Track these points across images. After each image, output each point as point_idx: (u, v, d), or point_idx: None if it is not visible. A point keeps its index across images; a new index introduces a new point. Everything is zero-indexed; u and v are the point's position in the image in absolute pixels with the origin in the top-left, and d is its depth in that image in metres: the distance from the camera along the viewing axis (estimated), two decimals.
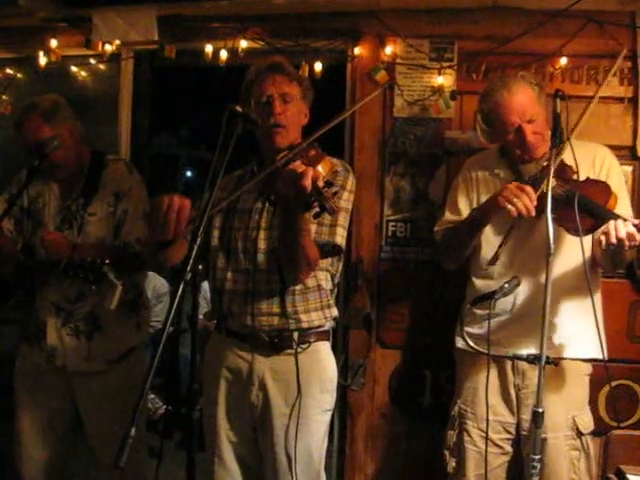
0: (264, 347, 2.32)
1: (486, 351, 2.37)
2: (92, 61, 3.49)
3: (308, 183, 1.83)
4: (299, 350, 2.30)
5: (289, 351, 2.30)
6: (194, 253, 1.79)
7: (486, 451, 2.47)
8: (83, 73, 3.57)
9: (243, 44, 3.19)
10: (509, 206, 2.30)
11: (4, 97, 3.57)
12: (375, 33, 3.19)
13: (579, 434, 2.51)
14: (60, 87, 3.39)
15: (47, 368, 2.75)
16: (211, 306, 2.48)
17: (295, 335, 2.30)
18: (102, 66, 3.51)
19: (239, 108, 1.93)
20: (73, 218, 2.72)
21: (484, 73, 3.14)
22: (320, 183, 1.85)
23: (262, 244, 2.29)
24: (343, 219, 2.27)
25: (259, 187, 2.31)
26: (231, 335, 2.37)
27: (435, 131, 3.19)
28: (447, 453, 2.66)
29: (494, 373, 2.53)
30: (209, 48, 3.20)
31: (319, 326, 2.35)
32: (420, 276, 3.20)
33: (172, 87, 4.19)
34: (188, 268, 1.78)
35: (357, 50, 3.21)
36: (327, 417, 2.40)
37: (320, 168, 1.97)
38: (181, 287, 1.77)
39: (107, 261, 2.48)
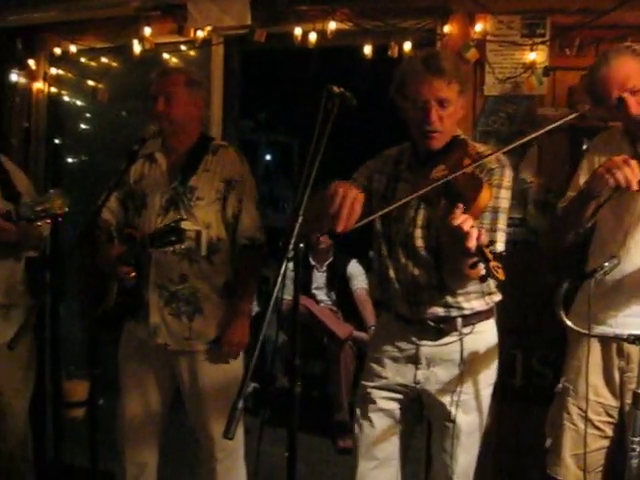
0: (430, 331, 2.36)
1: (586, 331, 2.34)
2: (183, 47, 3.57)
3: (472, 244, 1.83)
4: (464, 332, 2.34)
5: (454, 333, 2.34)
6: (296, 231, 1.83)
7: (585, 431, 2.44)
8: (175, 59, 3.64)
9: (332, 26, 3.20)
10: (607, 176, 2.25)
11: (100, 86, 3.68)
12: (465, 10, 3.15)
13: None
14: (153, 74, 3.48)
15: (151, 345, 2.85)
16: (379, 286, 2.53)
17: (459, 321, 2.34)
18: (192, 52, 3.59)
19: (336, 89, 1.96)
20: (180, 200, 2.76)
21: (578, 48, 3.06)
22: (483, 241, 1.85)
23: (419, 242, 2.31)
24: (503, 222, 2.23)
25: (414, 181, 2.28)
26: (398, 317, 2.43)
27: (527, 109, 3.13)
28: (547, 430, 2.65)
29: (598, 353, 2.49)
30: (298, 31, 3.23)
31: (481, 310, 2.38)
32: (512, 256, 3.16)
33: (261, 71, 4.24)
34: (291, 246, 1.83)
35: (446, 28, 3.18)
36: (491, 390, 2.45)
37: (481, 199, 1.97)
38: (284, 265, 1.82)
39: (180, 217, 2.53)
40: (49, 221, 2.62)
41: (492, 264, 1.81)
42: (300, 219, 1.84)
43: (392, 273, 2.39)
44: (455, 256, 2.02)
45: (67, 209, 2.56)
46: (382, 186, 2.42)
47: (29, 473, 3.33)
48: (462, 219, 1.87)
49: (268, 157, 14.53)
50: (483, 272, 1.84)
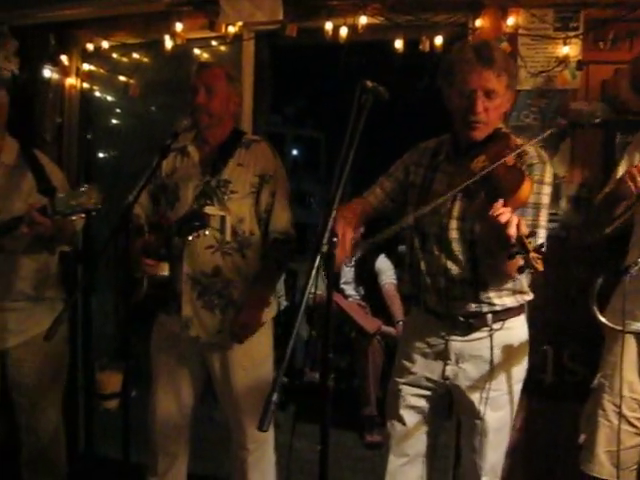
0: (460, 326, 2.37)
1: (621, 327, 2.33)
2: (214, 43, 3.58)
3: (513, 232, 1.83)
4: (494, 328, 2.34)
5: (484, 329, 2.35)
6: (329, 226, 1.84)
7: (619, 428, 2.42)
8: (205, 55, 3.66)
9: (363, 20, 3.19)
10: (630, 183, 2.24)
11: (132, 81, 3.71)
12: (497, 4, 3.12)
13: None
14: (183, 70, 3.50)
15: (183, 337, 2.87)
16: (409, 280, 2.54)
17: (489, 316, 2.34)
18: (223, 47, 3.60)
19: (370, 83, 1.96)
20: (213, 193, 2.78)
21: (612, 42, 3.03)
22: (524, 231, 1.85)
23: (454, 234, 2.30)
24: (544, 218, 2.23)
25: (453, 172, 2.30)
26: (428, 311, 2.44)
27: (560, 103, 3.11)
28: (582, 426, 2.64)
29: (634, 350, 2.48)
30: (329, 26, 3.22)
31: (512, 307, 2.38)
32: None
33: (290, 66, 4.24)
34: (324, 240, 1.84)
35: (478, 22, 3.15)
36: (520, 387, 2.45)
37: (522, 191, 1.98)
38: (318, 259, 1.83)
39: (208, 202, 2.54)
40: (83, 216, 2.64)
41: (532, 255, 1.81)
42: (334, 213, 1.85)
43: (424, 266, 2.40)
44: (494, 249, 2.02)
45: (101, 204, 2.59)
46: (419, 178, 2.43)
47: (61, 464, 3.38)
48: (501, 210, 1.87)
49: (295, 152, 14.53)
50: (521, 262, 1.84)
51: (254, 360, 2.91)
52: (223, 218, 2.37)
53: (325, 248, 1.83)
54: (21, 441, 3.28)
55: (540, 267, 1.82)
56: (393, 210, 2.54)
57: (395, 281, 4.81)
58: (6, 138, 3.06)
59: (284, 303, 5.16)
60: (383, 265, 4.85)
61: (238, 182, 2.79)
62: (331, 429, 3.09)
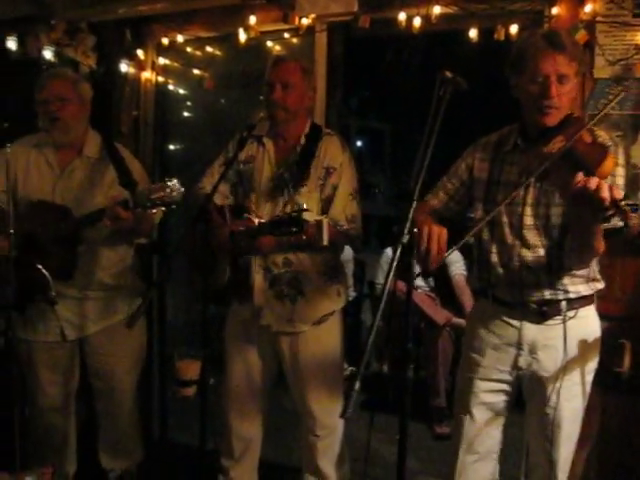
0: (533, 315, 2.37)
1: None
2: (286, 35, 3.60)
3: (606, 194, 1.80)
4: (567, 316, 2.34)
5: (557, 317, 2.34)
6: (411, 216, 1.85)
7: None
8: (277, 47, 3.69)
9: (437, 10, 3.17)
10: None
11: (206, 74, 3.77)
12: None
13: None
14: (256, 62, 3.54)
15: (254, 325, 2.94)
16: (477, 273, 2.53)
17: (563, 304, 2.33)
18: (295, 40, 3.62)
19: (449, 73, 1.96)
20: (285, 186, 2.83)
21: None
22: (617, 194, 1.81)
23: (528, 220, 2.30)
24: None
25: (524, 160, 2.30)
26: (498, 302, 2.43)
27: (639, 91, 3.03)
28: None
29: None
30: (402, 16, 3.20)
31: (585, 295, 2.37)
32: (620, 243, 3.07)
33: (361, 58, 4.24)
34: (405, 231, 1.85)
35: (554, 10, 3.08)
36: (592, 377, 2.44)
37: (605, 165, 1.95)
38: (399, 250, 1.84)
39: (302, 207, 2.52)
40: (163, 209, 2.71)
41: (629, 215, 1.78)
42: (414, 204, 1.86)
43: (495, 257, 2.38)
44: (586, 219, 1.99)
45: (181, 198, 2.64)
46: (484, 173, 2.42)
47: (137, 450, 3.47)
48: (586, 180, 1.85)
49: (359, 143, 14.50)
50: (620, 223, 1.81)
51: (324, 348, 2.95)
52: (320, 223, 2.38)
53: (406, 239, 1.84)
54: (99, 426, 3.40)
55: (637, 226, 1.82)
56: (456, 213, 2.54)
57: (465, 272, 4.78)
58: (89, 132, 3.16)
59: (352, 294, 5.18)
60: (453, 256, 4.81)
61: (308, 175, 2.82)
62: (394, 417, 3.10)
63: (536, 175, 2.11)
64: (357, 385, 1.68)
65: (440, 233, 2.00)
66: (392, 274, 1.81)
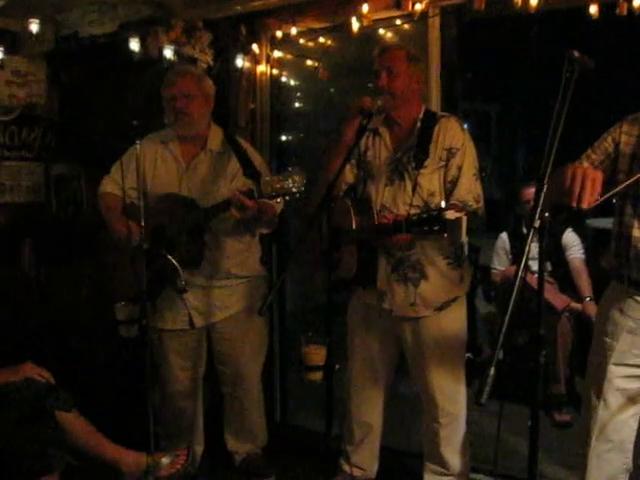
0: None
1: None
2: (398, 22, 3.59)
3: None
4: None
5: None
6: (541, 200, 1.82)
7: None
8: (389, 34, 3.67)
9: None
10: None
11: (320, 65, 3.81)
12: None
13: None
14: (368, 51, 3.53)
15: (377, 309, 2.97)
16: (614, 250, 2.48)
17: None
18: (407, 26, 3.59)
19: (576, 53, 1.91)
20: (404, 170, 2.85)
21: None
22: None
23: None
24: None
25: None
26: (634, 285, 2.39)
27: None
28: None
29: None
30: None
31: None
32: None
33: (475, 41, 4.17)
34: (537, 215, 1.83)
35: None
36: None
37: None
38: (530, 234, 1.82)
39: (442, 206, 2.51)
40: (287, 198, 2.77)
41: None
42: (545, 188, 1.83)
43: (637, 232, 2.32)
44: None
45: (304, 187, 2.70)
46: (629, 147, 2.37)
47: (261, 433, 3.59)
48: None
49: (465, 126, 14.26)
50: None
51: (447, 335, 2.94)
52: (459, 220, 2.36)
53: (537, 224, 1.82)
54: (225, 410, 3.53)
55: None
56: None
57: (583, 256, 4.64)
58: (212, 126, 3.28)
59: None
60: (570, 239, 4.68)
61: (429, 158, 2.82)
62: (515, 406, 3.07)
63: None
64: (492, 371, 1.67)
65: (596, 175, 1.93)
66: (524, 260, 1.78)
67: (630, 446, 2.50)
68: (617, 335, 2.41)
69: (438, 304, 2.89)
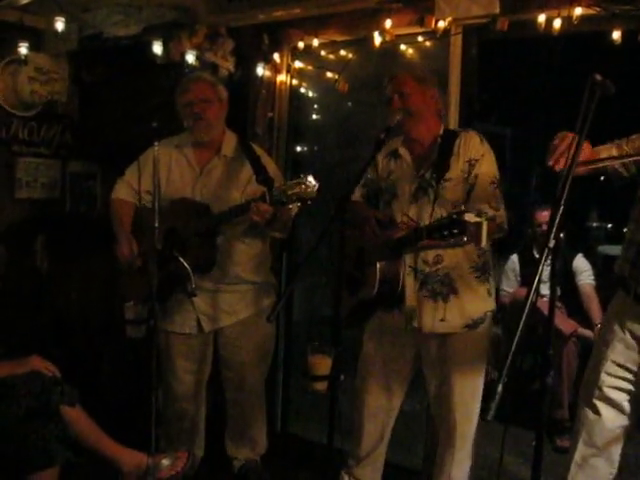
0: None
1: None
2: (420, 39, 3.61)
3: None
4: None
5: None
6: (557, 220, 1.83)
7: None
8: (410, 51, 3.69)
9: (578, 11, 3.09)
10: None
11: (340, 77, 3.83)
12: None
13: None
14: (389, 66, 3.55)
15: (405, 330, 2.91)
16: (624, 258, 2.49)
17: None
18: (428, 43, 3.62)
19: (599, 77, 1.93)
20: (428, 185, 2.85)
21: None
22: None
23: None
24: None
25: None
26: (637, 299, 2.38)
27: None
28: None
29: None
30: (542, 17, 3.13)
31: None
32: None
33: (494, 61, 4.18)
34: (552, 235, 1.83)
35: None
36: None
37: None
38: (545, 254, 1.82)
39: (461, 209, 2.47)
40: (299, 204, 2.78)
41: None
42: (562, 209, 1.83)
43: None
44: None
45: (316, 194, 2.71)
46: None
47: (261, 441, 3.57)
48: None
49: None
50: None
51: (473, 350, 2.91)
52: (479, 224, 2.35)
53: (552, 244, 1.82)
54: (227, 415, 3.53)
55: None
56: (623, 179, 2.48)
57: (593, 282, 4.63)
58: (226, 132, 3.30)
59: None
60: (581, 265, 4.68)
61: (451, 171, 2.82)
62: (518, 429, 3.04)
63: None
64: (500, 388, 1.66)
65: (585, 146, 2.05)
66: (536, 282, 1.78)
67: (616, 457, 2.50)
68: (613, 346, 2.42)
69: (470, 321, 2.85)
